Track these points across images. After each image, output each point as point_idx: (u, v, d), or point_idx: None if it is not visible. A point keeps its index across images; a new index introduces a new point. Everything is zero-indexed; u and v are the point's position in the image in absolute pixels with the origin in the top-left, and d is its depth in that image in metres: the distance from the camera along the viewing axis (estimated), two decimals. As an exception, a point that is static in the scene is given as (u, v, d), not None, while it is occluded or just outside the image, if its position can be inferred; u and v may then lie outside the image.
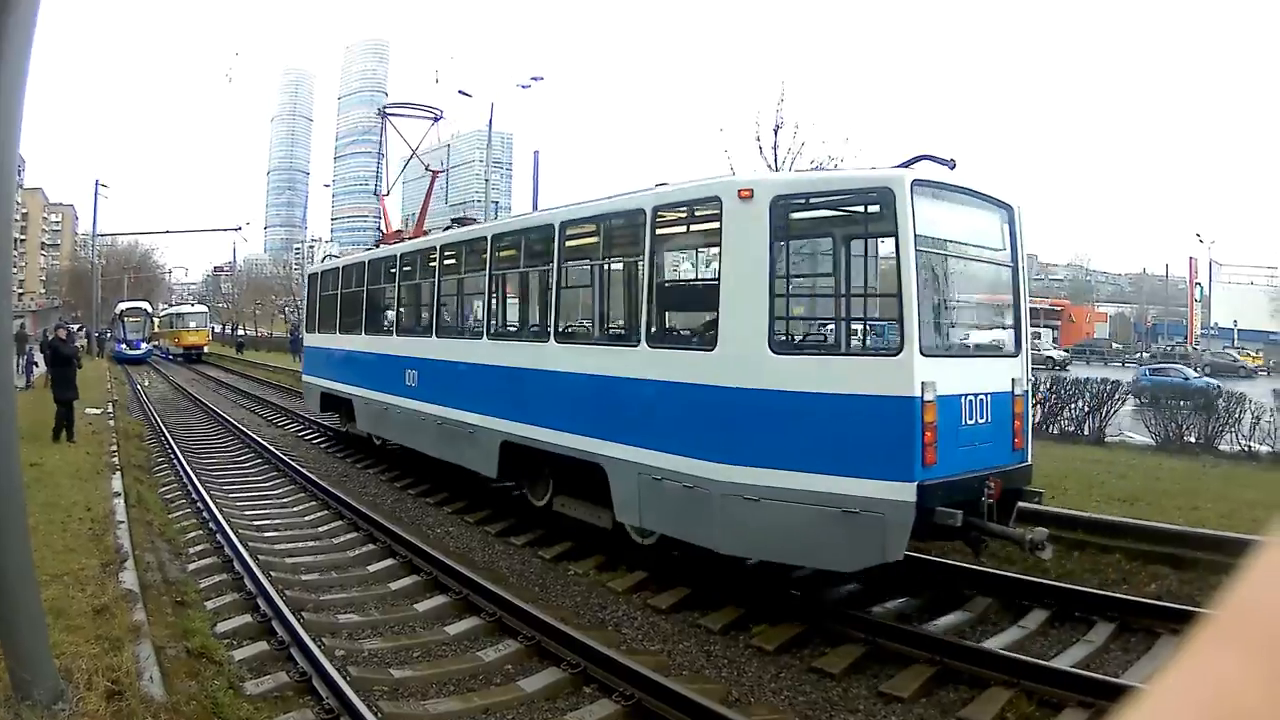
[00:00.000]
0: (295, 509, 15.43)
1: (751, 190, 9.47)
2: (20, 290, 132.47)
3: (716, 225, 9.87)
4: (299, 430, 25.24)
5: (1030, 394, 10.71)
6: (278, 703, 7.33)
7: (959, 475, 8.81)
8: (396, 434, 18.41)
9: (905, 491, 8.36)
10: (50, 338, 24.60)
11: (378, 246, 21.63)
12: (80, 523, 11.51)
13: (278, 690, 7.53)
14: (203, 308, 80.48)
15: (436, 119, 26.05)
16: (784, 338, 9.81)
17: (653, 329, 10.77)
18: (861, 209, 9.86)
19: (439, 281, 16.59)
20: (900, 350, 8.64)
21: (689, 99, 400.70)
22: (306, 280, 28.46)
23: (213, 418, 28.35)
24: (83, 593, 8.59)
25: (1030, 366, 10.62)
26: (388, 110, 26.99)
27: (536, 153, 49.63)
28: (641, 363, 10.67)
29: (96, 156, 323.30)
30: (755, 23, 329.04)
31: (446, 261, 16.50)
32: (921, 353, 8.53)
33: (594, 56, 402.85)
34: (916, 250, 8.69)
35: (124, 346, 64.10)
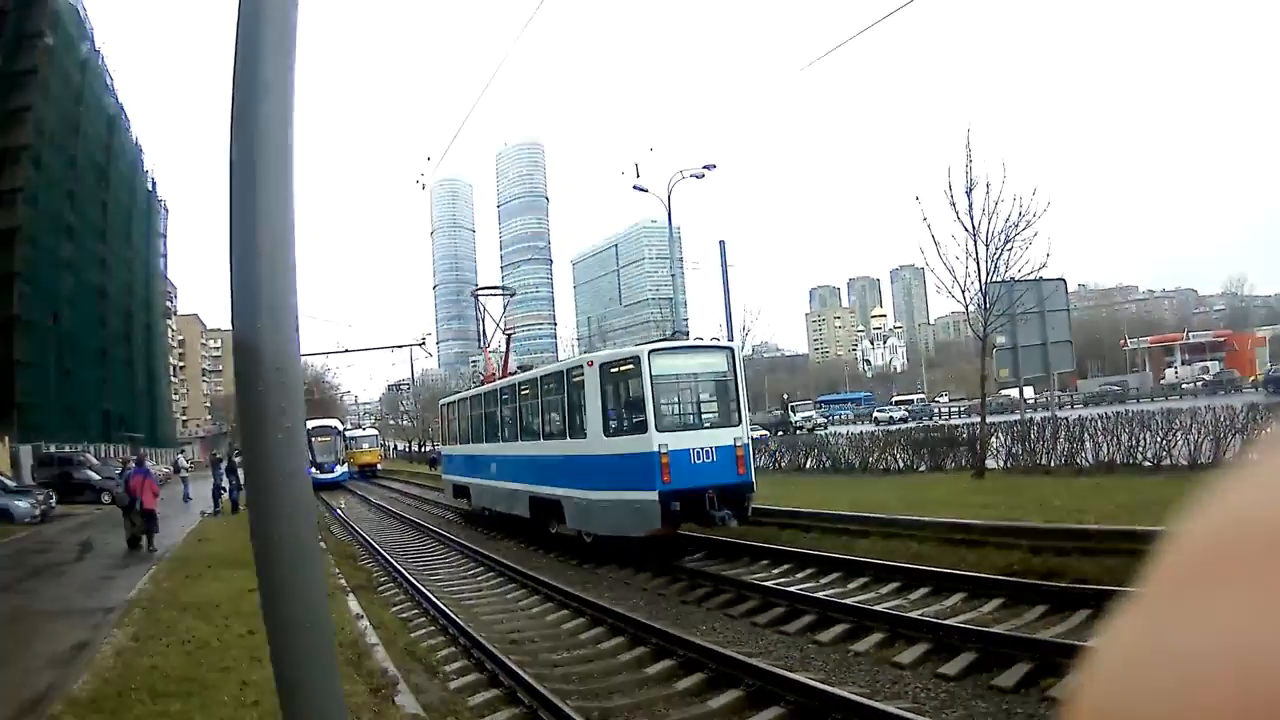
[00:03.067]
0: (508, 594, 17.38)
1: (593, 362, 19.70)
2: (184, 417, 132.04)
3: (583, 379, 19.79)
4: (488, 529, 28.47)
5: (750, 445, 19.65)
6: None
7: (687, 488, 17.47)
8: (489, 502, 28.03)
9: (652, 495, 17.34)
10: (235, 458, 29.62)
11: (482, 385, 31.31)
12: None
13: None
14: (373, 430, 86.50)
15: (512, 294, 43.70)
16: (606, 429, 19.12)
17: (561, 431, 21.19)
18: (632, 365, 18.63)
19: (500, 409, 26.38)
20: (646, 431, 17.68)
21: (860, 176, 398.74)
22: (440, 409, 39.77)
23: (416, 528, 30.49)
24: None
25: (748, 430, 19.94)
26: (477, 293, 42.04)
27: (722, 243, 46.44)
28: (568, 447, 20.51)
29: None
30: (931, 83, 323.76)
31: (503, 397, 26.20)
32: (658, 430, 17.64)
33: (755, 141, 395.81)
34: (652, 381, 17.92)
35: (315, 470, 52.11)
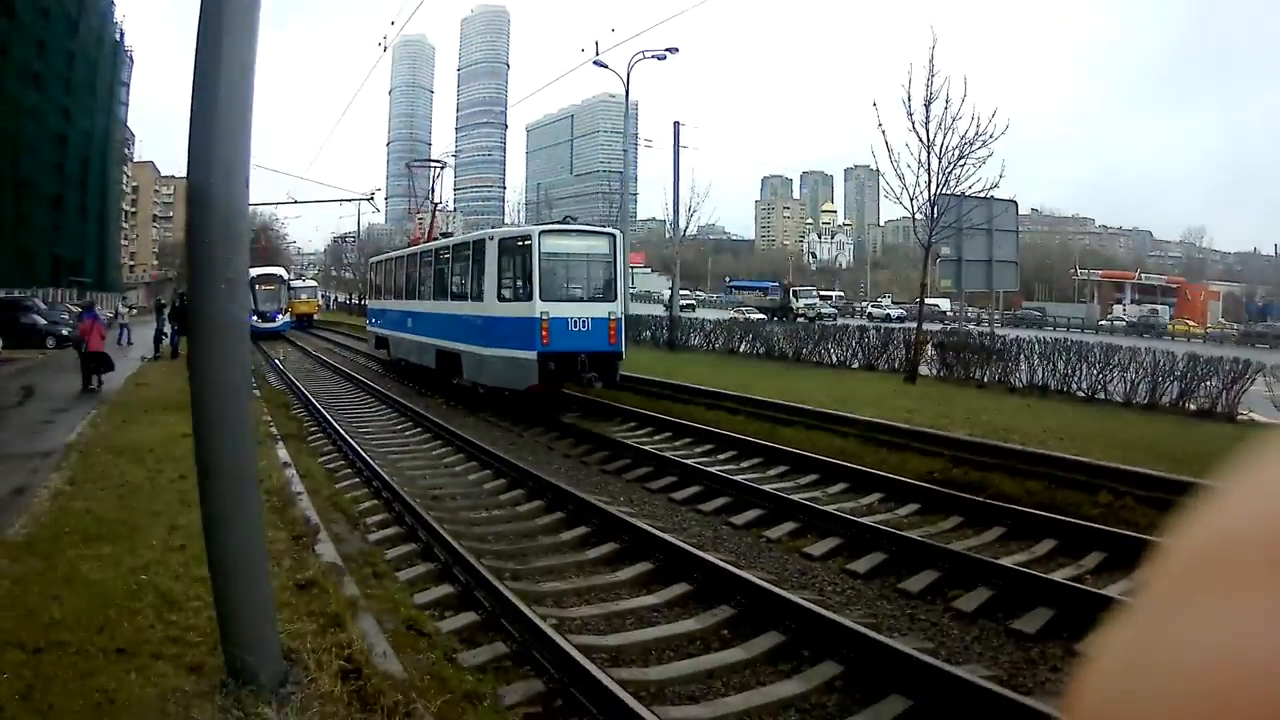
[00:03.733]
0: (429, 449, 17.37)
1: (494, 237, 22.44)
2: (132, 263, 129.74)
3: (479, 250, 22.74)
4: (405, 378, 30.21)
5: (623, 320, 22.19)
6: (499, 674, 7.16)
7: (563, 351, 20.08)
8: (404, 353, 30.77)
9: (532, 355, 20.05)
10: (179, 304, 30.42)
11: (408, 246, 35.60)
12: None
13: (495, 661, 7.38)
14: (313, 282, 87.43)
15: (443, 166, 46.12)
16: (500, 296, 21.54)
17: (464, 294, 23.55)
18: (525, 242, 21.21)
19: (419, 271, 29.29)
20: (531, 300, 20.31)
21: (829, 68, 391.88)
22: (368, 265, 45.58)
23: (349, 380, 30.65)
24: (279, 567, 8.07)
25: (625, 307, 23.76)
26: (411, 164, 49.29)
27: (677, 124, 46.56)
28: (469, 308, 23.02)
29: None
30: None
31: (423, 260, 29.14)
32: (541, 299, 20.18)
33: (726, 27, 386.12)
34: (540, 257, 20.46)
35: (256, 319, 49.31)
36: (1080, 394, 21.50)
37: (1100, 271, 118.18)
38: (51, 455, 14.28)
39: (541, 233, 21.26)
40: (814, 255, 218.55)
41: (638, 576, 9.45)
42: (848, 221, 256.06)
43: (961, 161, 23.44)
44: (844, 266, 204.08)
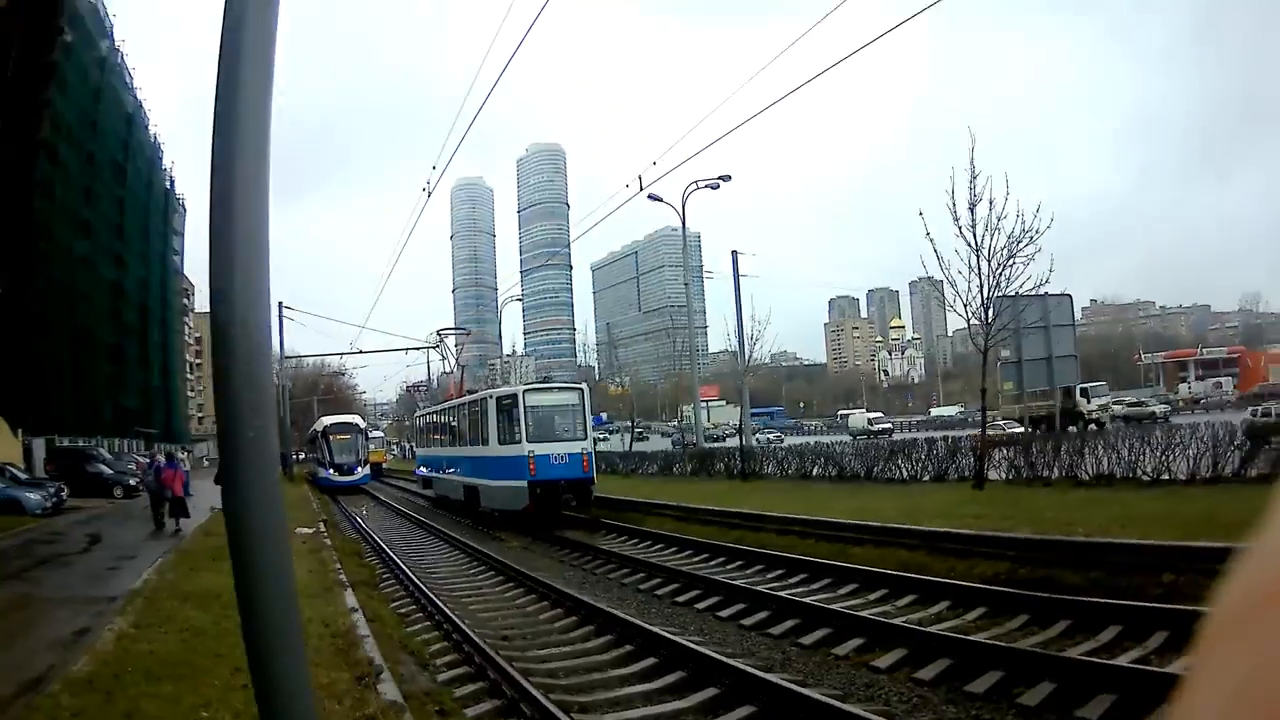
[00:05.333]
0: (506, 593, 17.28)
1: (491, 396, 29.16)
2: (200, 414, 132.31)
3: (485, 406, 29.03)
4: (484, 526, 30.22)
5: (593, 454, 28.43)
6: None
7: (548, 480, 26.19)
8: (443, 490, 37.20)
9: (523, 483, 26.20)
10: None
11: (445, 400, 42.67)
12: (321, 639, 11.05)
13: None
14: (380, 432, 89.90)
15: (468, 334, 59.43)
16: (500, 438, 27.70)
17: (477, 440, 29.94)
18: (512, 399, 27.69)
19: (449, 422, 36.11)
20: (521, 442, 26.63)
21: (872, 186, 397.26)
22: (415, 420, 55.98)
23: (424, 528, 31.30)
24: (340, 705, 8.26)
25: (593, 443, 29.65)
26: (441, 332, 58.38)
27: (734, 253, 46.37)
28: (480, 450, 29.40)
29: (276, 280, 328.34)
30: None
31: (449, 414, 36.51)
32: (529, 441, 26.56)
33: (774, 152, 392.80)
34: (526, 410, 27.05)
35: (332, 472, 52.25)
36: (1145, 478, 21.03)
37: (1163, 354, 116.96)
38: (116, 600, 14.40)
39: (525, 391, 28.23)
40: (886, 372, 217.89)
41: (704, 702, 9.39)
42: (916, 335, 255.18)
43: (1011, 261, 23.02)
44: (915, 381, 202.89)
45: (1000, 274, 23.22)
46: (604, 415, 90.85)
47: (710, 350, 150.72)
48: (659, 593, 16.14)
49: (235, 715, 7.80)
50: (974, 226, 23.41)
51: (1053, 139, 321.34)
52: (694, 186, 42.77)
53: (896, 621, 11.52)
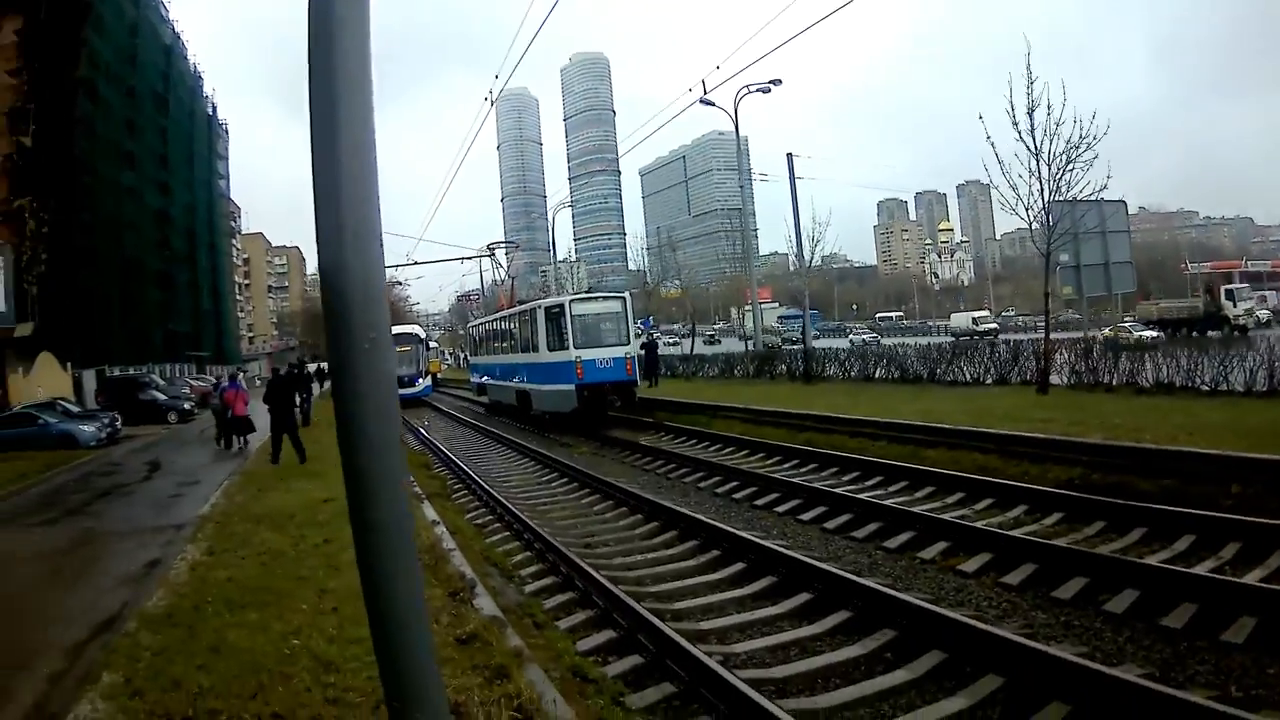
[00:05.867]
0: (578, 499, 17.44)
1: (538, 307, 31.76)
2: (250, 334, 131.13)
3: (534, 316, 31.45)
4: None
5: (638, 358, 32.02)
6: (669, 713, 7.31)
7: (594, 383, 28.58)
8: (496, 396, 40.02)
9: (571, 387, 28.55)
10: (299, 372, 35.56)
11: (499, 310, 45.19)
12: (409, 553, 10.89)
13: (664, 701, 7.47)
14: (435, 343, 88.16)
15: (516, 246, 65.46)
16: (549, 345, 29.86)
17: (529, 347, 32.31)
18: (560, 309, 29.75)
19: (502, 330, 38.42)
20: (569, 348, 28.69)
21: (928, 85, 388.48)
22: (467, 329, 62.03)
23: (487, 436, 32.05)
24: (439, 623, 7.83)
25: (638, 347, 34.21)
26: (491, 246, 67.19)
27: (790, 155, 46.94)
28: (531, 357, 31.71)
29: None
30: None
31: (501, 325, 38.77)
32: (576, 347, 28.58)
33: (820, 52, 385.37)
34: (572, 318, 29.04)
35: None
36: (1204, 388, 21.05)
37: (1208, 264, 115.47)
38: (185, 527, 14.37)
39: (571, 301, 30.28)
40: (936, 275, 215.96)
41: (798, 608, 9.55)
42: (965, 238, 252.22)
43: (1070, 166, 22.93)
44: (965, 284, 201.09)
45: (1059, 178, 23.17)
46: (651, 318, 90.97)
47: (762, 253, 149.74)
48: (735, 496, 16.27)
49: (329, 640, 7.69)
50: (1033, 131, 23.32)
51: (1092, 41, 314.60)
52: (746, 90, 42.47)
53: (978, 525, 11.68)
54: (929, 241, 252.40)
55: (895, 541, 11.84)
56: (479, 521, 15.91)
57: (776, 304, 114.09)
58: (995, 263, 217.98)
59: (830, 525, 13.26)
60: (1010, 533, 11.17)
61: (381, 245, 3.43)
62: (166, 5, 64.53)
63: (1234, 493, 11.52)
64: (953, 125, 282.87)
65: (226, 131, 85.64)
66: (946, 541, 11.34)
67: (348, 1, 3.41)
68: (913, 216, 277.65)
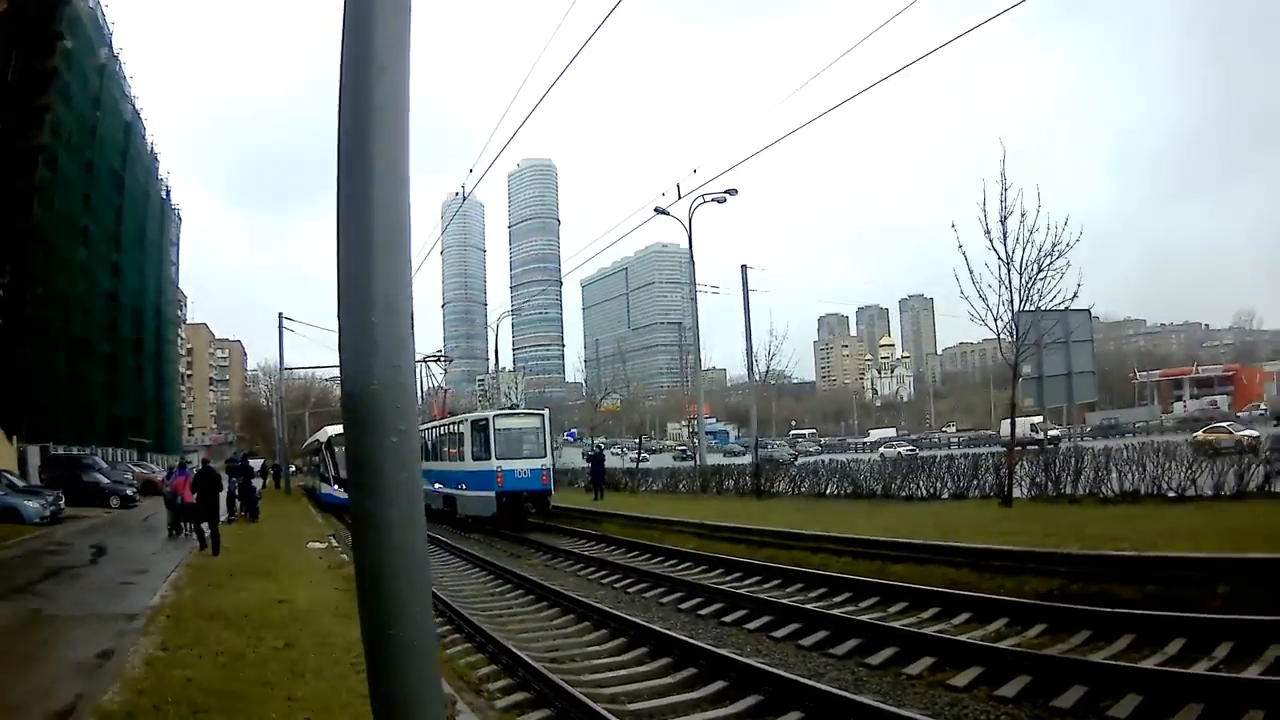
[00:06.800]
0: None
1: (466, 420, 36.40)
2: (190, 425, 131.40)
3: (462, 428, 35.58)
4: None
5: (552, 469, 36.22)
6: None
7: (513, 490, 32.09)
8: (426, 501, 37.21)
9: (492, 494, 32.10)
10: (240, 464, 40.95)
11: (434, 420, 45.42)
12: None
13: None
14: None
15: (450, 360, 75.58)
16: (474, 455, 33.47)
17: (456, 457, 35.84)
18: (485, 421, 33.72)
19: (434, 440, 39.55)
20: (491, 459, 32.30)
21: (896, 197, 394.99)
22: None
23: (435, 544, 29.87)
24: None
25: (553, 460, 39.22)
26: (426, 357, 61.15)
27: (744, 267, 46.87)
28: (458, 465, 35.36)
29: (267, 292, 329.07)
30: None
31: (434, 433, 39.95)
32: (497, 458, 32.20)
33: (764, 170, 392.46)
34: (495, 432, 32.71)
35: (337, 488, 45.97)
36: (1171, 494, 21.11)
37: (1158, 371, 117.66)
38: (137, 618, 13.90)
39: (495, 415, 34.24)
40: (875, 391, 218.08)
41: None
42: (906, 354, 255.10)
43: (1041, 275, 23.11)
44: (905, 400, 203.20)
45: (1031, 287, 23.30)
46: (575, 431, 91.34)
47: (701, 367, 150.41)
48: (701, 613, 15.89)
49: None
50: (1005, 239, 23.40)
51: (1047, 154, 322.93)
52: (701, 200, 42.32)
53: (962, 639, 11.48)
54: (869, 357, 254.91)
55: (878, 658, 11.54)
56: (440, 631, 15.29)
57: (714, 419, 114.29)
58: (936, 378, 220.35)
59: (806, 642, 12.91)
60: (997, 645, 11.00)
61: (412, 325, 3.16)
62: (129, 81, 65.07)
63: (1221, 593, 11.50)
64: (900, 239, 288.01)
65: (179, 218, 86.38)
66: (932, 656, 11.06)
67: (387, 44, 3.12)
68: (853, 331, 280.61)
